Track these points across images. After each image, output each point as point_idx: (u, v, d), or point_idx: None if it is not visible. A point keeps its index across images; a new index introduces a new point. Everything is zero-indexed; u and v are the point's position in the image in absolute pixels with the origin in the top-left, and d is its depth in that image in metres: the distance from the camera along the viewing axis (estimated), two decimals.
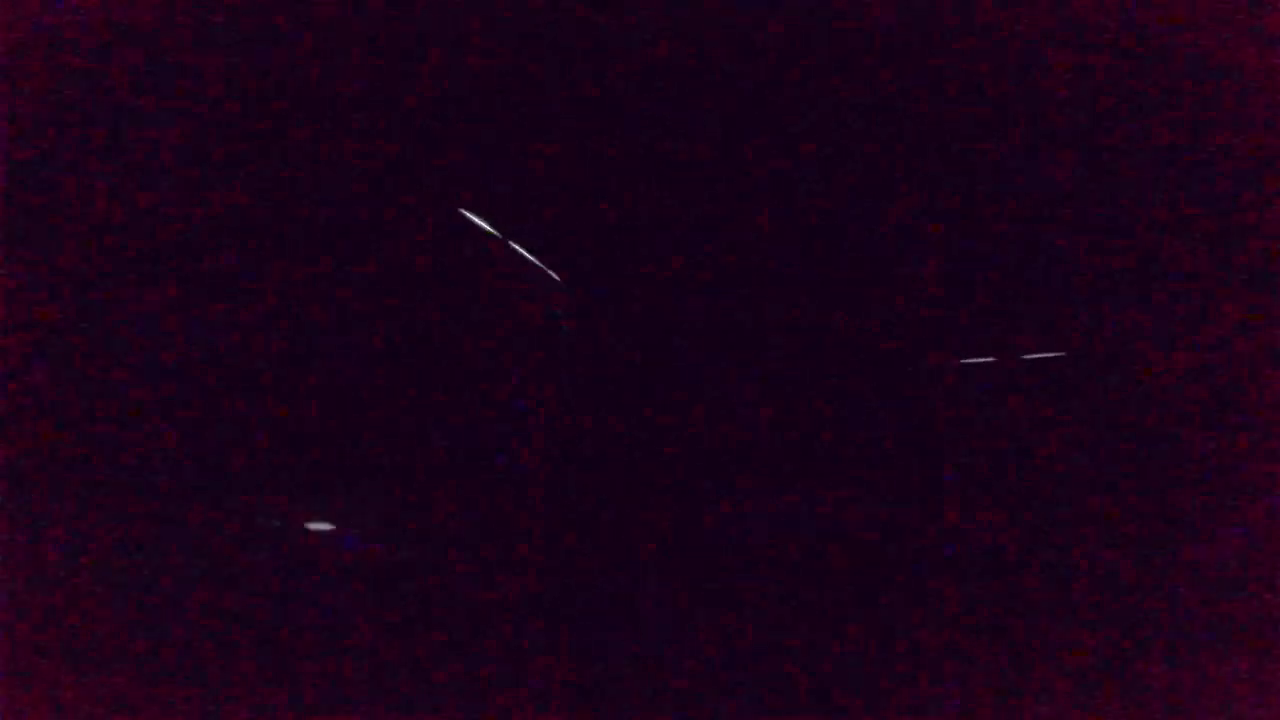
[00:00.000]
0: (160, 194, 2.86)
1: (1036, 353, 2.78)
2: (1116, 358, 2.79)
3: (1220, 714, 2.71)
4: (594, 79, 2.72)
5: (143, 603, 2.80)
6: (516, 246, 2.74)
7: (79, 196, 2.86)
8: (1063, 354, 2.79)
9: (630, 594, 2.71)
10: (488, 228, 2.72)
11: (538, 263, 2.76)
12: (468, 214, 2.66)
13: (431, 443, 2.82)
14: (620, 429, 2.77)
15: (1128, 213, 2.80)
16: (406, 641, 2.76)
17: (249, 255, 2.86)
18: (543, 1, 2.76)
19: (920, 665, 2.70)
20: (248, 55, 2.87)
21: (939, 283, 2.78)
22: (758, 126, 2.76)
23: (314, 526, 2.80)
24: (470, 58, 2.74)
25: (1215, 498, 2.77)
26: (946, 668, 2.70)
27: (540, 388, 2.79)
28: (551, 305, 2.75)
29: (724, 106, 2.74)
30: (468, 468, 2.80)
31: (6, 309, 2.85)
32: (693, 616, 2.70)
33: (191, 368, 2.85)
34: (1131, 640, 2.74)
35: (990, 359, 2.76)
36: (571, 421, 2.78)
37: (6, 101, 2.87)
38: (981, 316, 2.77)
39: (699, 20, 2.72)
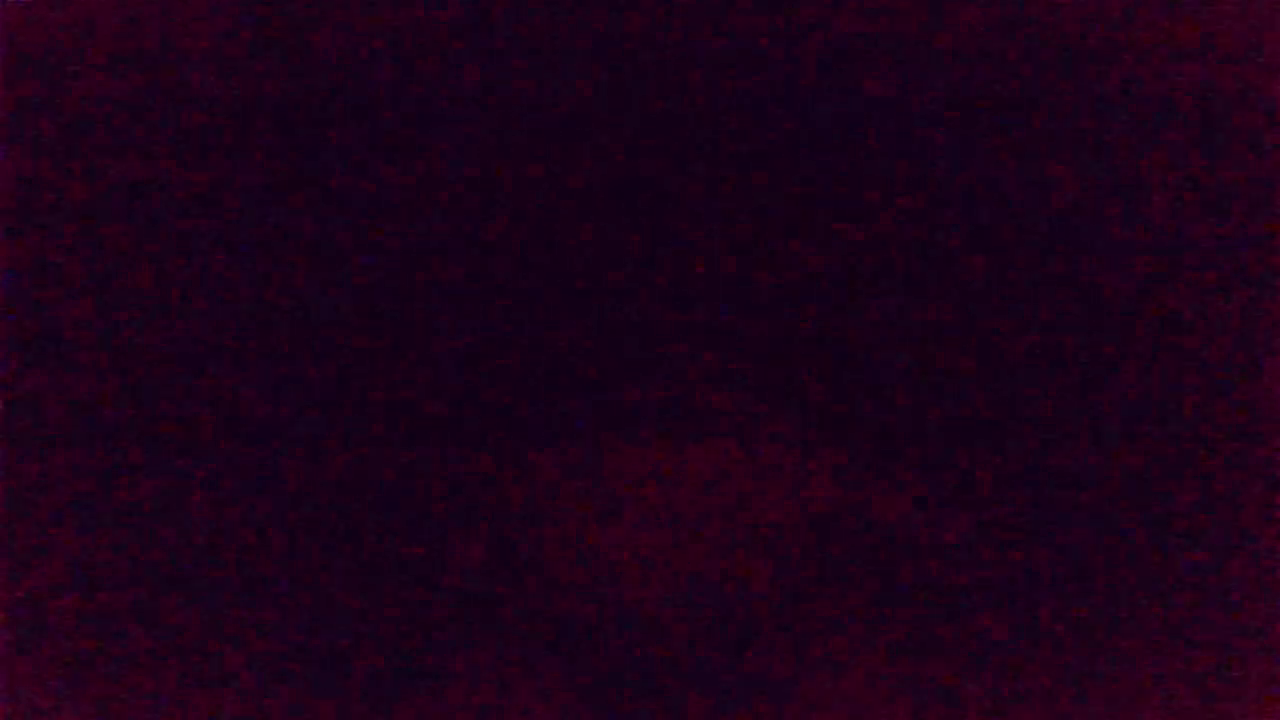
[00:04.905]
0: (163, 193, 2.86)
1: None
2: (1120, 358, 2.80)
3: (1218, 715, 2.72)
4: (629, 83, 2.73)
5: (141, 604, 2.80)
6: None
7: (82, 194, 2.86)
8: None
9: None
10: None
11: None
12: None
13: (445, 451, 2.82)
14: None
15: (1133, 214, 2.81)
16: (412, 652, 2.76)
17: (252, 255, 2.86)
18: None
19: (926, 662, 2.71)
20: (248, 54, 2.87)
21: (939, 283, 2.79)
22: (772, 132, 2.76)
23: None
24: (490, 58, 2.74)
25: (1217, 498, 2.78)
26: (940, 667, 2.70)
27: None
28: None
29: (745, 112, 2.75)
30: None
31: (7, 309, 2.85)
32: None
33: (191, 367, 2.85)
34: (1133, 642, 2.74)
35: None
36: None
37: (7, 101, 2.87)
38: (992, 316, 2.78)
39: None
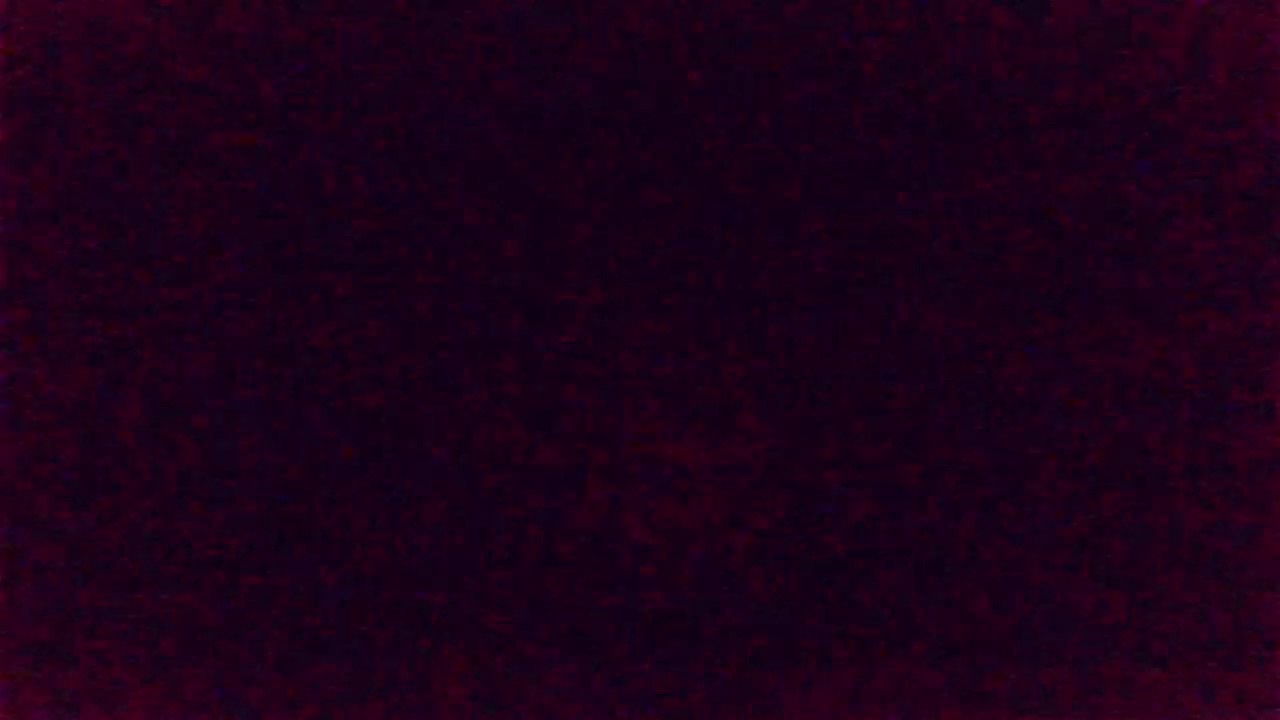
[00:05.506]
0: (163, 194, 2.87)
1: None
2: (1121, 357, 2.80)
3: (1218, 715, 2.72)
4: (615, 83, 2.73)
5: (140, 603, 2.81)
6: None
7: (83, 196, 2.86)
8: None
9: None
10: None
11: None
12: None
13: (447, 449, 2.82)
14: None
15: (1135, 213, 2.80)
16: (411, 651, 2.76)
17: (251, 259, 2.86)
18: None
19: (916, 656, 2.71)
20: (249, 56, 2.87)
21: (942, 283, 2.79)
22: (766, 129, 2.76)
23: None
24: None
25: (1220, 497, 2.78)
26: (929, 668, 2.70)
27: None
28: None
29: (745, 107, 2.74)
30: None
31: (8, 309, 2.86)
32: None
33: (190, 369, 2.86)
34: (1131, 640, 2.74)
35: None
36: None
37: (7, 102, 2.87)
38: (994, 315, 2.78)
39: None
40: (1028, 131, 2.80)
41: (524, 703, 2.70)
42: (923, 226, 2.79)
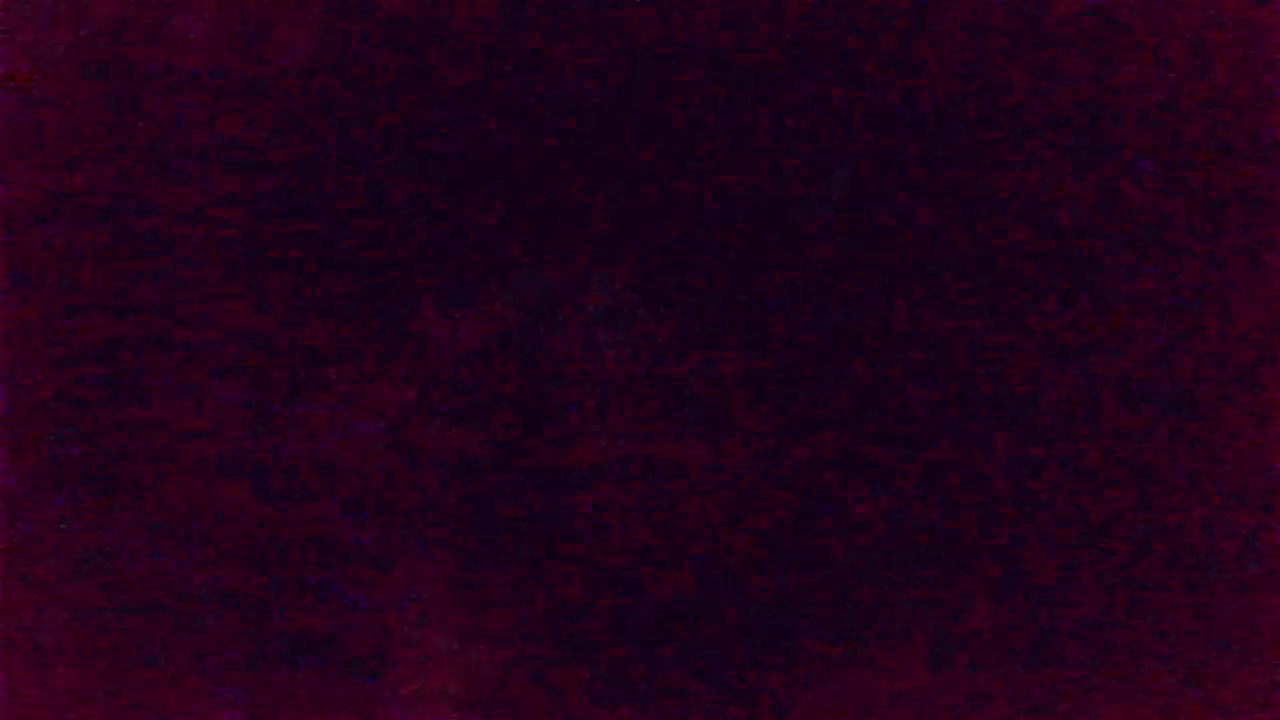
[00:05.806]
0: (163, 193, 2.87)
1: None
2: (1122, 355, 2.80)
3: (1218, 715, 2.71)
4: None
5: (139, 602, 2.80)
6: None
7: (82, 196, 2.86)
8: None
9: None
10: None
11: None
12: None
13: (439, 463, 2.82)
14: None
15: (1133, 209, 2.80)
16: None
17: (251, 257, 2.86)
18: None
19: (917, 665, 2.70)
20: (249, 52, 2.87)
21: (941, 280, 2.79)
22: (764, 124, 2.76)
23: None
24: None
25: (1218, 496, 2.77)
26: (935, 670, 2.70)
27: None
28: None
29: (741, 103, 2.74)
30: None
31: (8, 309, 2.86)
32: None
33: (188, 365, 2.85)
34: (1132, 641, 2.74)
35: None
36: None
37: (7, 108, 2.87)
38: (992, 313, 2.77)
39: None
40: (1028, 131, 2.80)
41: (524, 703, 2.70)
42: (923, 226, 2.79)
